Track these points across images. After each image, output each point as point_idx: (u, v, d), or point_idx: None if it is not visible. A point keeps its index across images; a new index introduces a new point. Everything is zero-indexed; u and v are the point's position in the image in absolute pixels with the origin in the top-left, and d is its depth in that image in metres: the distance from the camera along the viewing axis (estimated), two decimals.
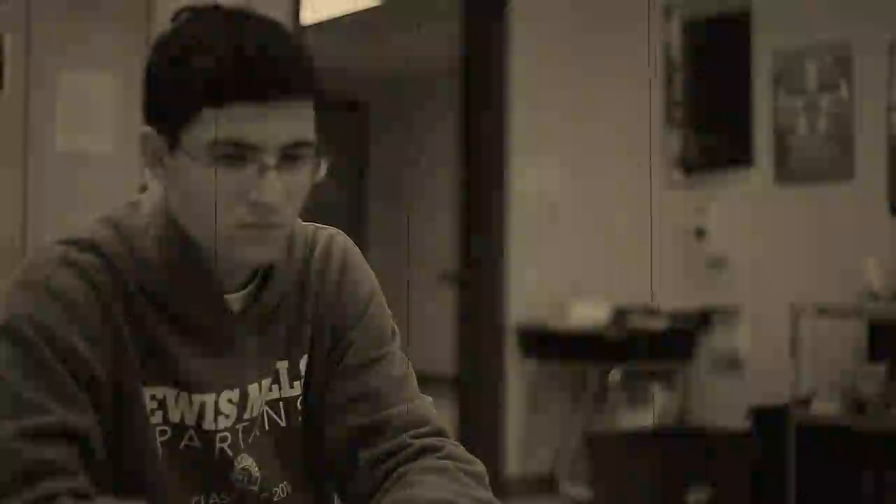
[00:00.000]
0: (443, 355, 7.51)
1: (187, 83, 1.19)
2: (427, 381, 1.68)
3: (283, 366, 1.38)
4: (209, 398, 1.30)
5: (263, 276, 1.35)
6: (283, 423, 1.38)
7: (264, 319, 1.35)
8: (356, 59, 8.71)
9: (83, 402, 1.19)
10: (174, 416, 1.29)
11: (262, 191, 1.20)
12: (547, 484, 5.58)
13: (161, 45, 1.24)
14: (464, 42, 5.70)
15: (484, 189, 5.58)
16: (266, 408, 1.37)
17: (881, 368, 4.13)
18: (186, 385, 1.29)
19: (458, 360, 5.75)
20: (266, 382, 1.36)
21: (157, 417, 1.28)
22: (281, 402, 1.38)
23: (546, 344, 5.43)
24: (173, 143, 1.22)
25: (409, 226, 9.57)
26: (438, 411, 1.41)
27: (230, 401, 1.32)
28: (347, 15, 7.34)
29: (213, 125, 1.18)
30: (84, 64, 4.19)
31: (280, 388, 1.38)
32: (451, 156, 7.06)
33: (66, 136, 4.15)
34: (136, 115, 1.29)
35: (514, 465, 5.53)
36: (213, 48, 1.19)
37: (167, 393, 1.29)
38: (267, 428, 1.37)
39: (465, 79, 5.70)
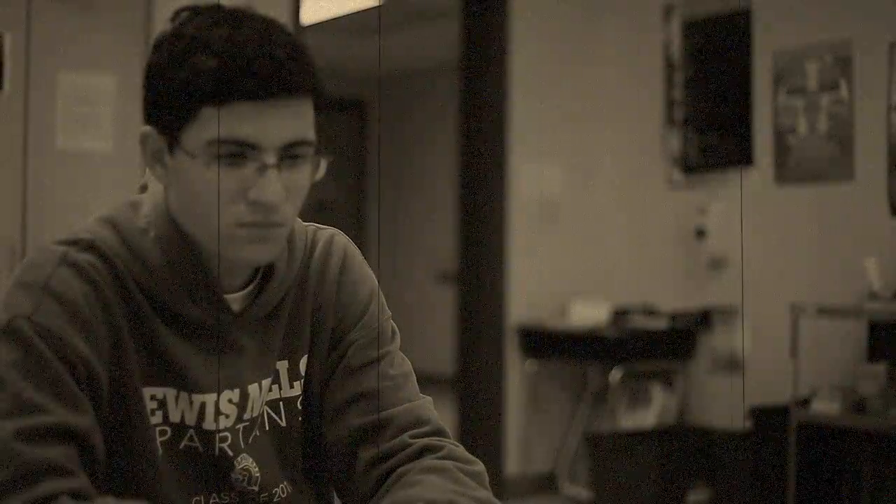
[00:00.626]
0: (443, 355, 7.52)
1: (187, 83, 1.19)
2: (427, 381, 1.68)
3: (283, 366, 1.38)
4: (209, 398, 1.30)
5: (263, 275, 1.35)
6: (283, 424, 1.38)
7: (264, 319, 1.35)
8: (356, 59, 8.71)
9: (83, 403, 1.19)
10: (174, 416, 1.29)
11: (261, 189, 1.20)
12: (547, 484, 5.58)
13: (161, 45, 1.23)
14: (464, 41, 5.70)
15: (484, 189, 5.58)
16: (266, 408, 1.37)
17: (881, 368, 4.13)
18: (186, 385, 1.29)
19: (458, 360, 5.75)
20: (266, 382, 1.36)
21: (157, 417, 1.28)
22: (281, 403, 1.38)
23: (546, 344, 5.43)
24: (173, 143, 1.22)
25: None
26: (438, 411, 1.41)
27: (230, 401, 1.32)
28: (347, 15, 7.33)
29: (213, 124, 1.18)
30: (84, 64, 4.19)
31: (280, 389, 1.38)
32: (450, 156, 7.07)
33: (66, 136, 4.15)
34: (136, 115, 1.29)
35: (514, 464, 5.53)
36: (213, 47, 1.19)
37: (167, 393, 1.28)
38: (267, 428, 1.37)
39: (465, 78, 5.69)
